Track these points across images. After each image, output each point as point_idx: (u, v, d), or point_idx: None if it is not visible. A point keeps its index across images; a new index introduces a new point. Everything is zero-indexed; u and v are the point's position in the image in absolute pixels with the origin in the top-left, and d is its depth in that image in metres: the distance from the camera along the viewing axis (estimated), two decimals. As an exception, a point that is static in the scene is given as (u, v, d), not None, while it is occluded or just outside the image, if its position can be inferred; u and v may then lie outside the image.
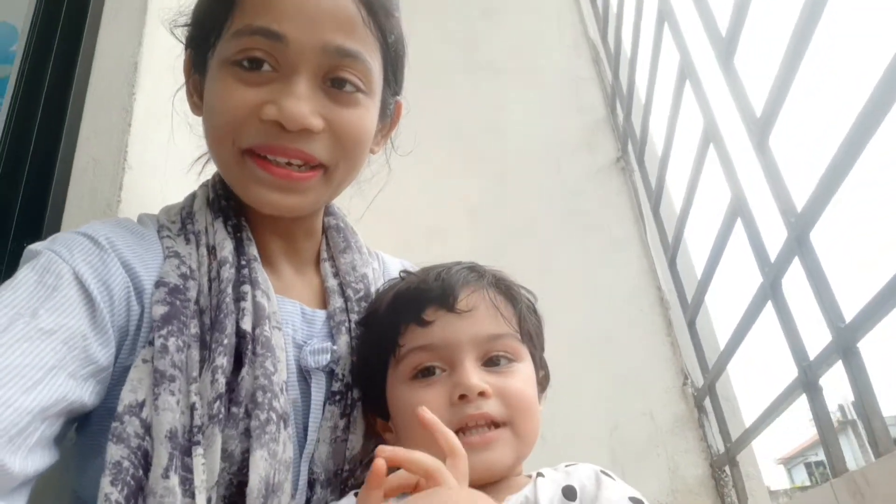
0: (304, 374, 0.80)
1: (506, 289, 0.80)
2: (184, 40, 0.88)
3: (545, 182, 1.88)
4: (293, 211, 0.81)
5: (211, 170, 0.89)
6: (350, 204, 1.00)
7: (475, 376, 0.71)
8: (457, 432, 0.70)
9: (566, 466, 0.72)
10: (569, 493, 0.66)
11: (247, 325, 0.73)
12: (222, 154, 0.79)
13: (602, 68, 2.02)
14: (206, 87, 0.80)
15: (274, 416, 0.70)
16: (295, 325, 0.82)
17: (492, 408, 0.70)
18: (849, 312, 0.79)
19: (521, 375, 0.75)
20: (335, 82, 0.77)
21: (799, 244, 0.86)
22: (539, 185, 1.88)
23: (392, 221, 1.70)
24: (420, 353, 0.75)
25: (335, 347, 0.81)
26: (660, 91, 1.50)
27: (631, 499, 0.65)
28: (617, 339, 1.64)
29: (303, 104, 0.74)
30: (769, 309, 1.02)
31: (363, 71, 0.78)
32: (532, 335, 0.81)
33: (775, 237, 0.96)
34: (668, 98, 1.35)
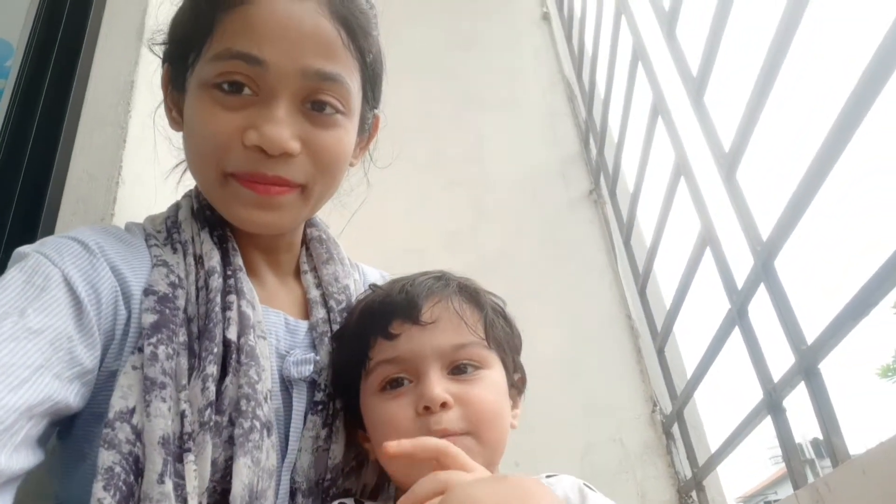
0: (286, 385, 0.81)
1: (471, 296, 0.81)
2: (161, 55, 0.88)
3: (521, 211, 1.93)
4: (272, 228, 0.82)
5: (189, 177, 0.91)
6: (329, 218, 1.02)
7: (438, 387, 0.73)
8: None
9: (547, 477, 0.74)
10: None
11: (232, 334, 0.74)
12: (205, 176, 0.80)
13: (576, 105, 2.09)
14: (185, 107, 0.81)
15: (258, 424, 0.71)
16: (278, 335, 0.83)
17: (453, 422, 0.72)
18: (811, 335, 0.84)
19: (487, 382, 0.76)
20: (315, 105, 0.78)
21: (764, 271, 0.92)
22: (515, 213, 1.93)
23: (371, 244, 1.72)
24: (387, 365, 0.76)
25: (318, 358, 0.83)
26: (632, 127, 1.56)
27: None
28: (588, 365, 1.68)
29: (283, 129, 0.75)
30: (735, 335, 1.07)
31: (342, 93, 0.79)
32: (501, 340, 0.82)
33: (742, 266, 1.02)
34: (639, 134, 1.42)
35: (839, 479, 0.64)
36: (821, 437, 0.79)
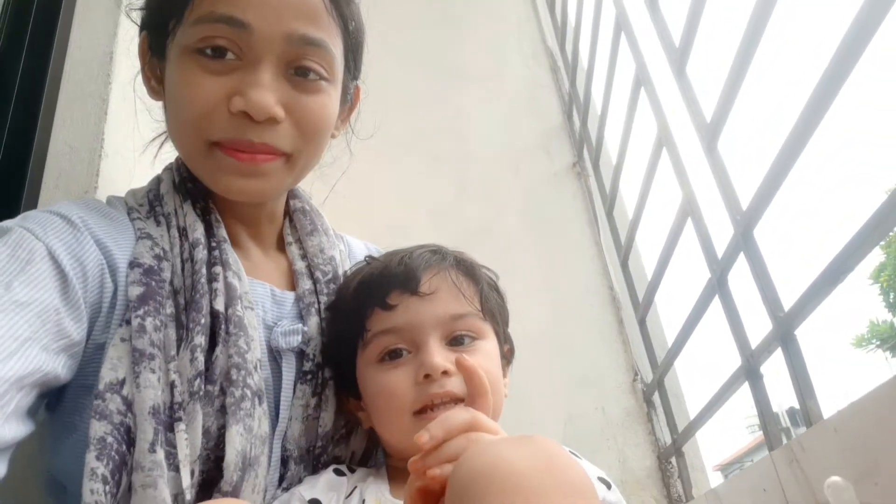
0: (274, 355, 0.82)
1: (468, 269, 0.83)
2: (139, 23, 0.87)
3: (504, 184, 1.94)
4: (257, 195, 0.82)
5: (168, 150, 0.90)
6: (312, 188, 1.02)
7: (438, 356, 0.74)
8: (423, 410, 0.73)
9: None
10: None
11: (219, 305, 0.75)
12: (189, 145, 0.79)
13: (559, 77, 2.09)
14: (167, 74, 0.80)
15: (248, 392, 0.72)
16: (265, 306, 0.84)
17: (455, 386, 0.73)
18: (788, 303, 0.86)
19: (484, 352, 0.79)
20: (299, 71, 0.78)
21: (744, 240, 0.93)
22: (498, 187, 1.94)
23: (354, 220, 1.73)
24: (386, 336, 0.78)
25: (306, 328, 0.84)
26: (615, 99, 1.57)
27: (599, 478, 0.70)
28: (571, 336, 1.70)
29: (268, 94, 0.74)
30: (715, 305, 1.09)
31: (327, 59, 0.79)
32: (494, 312, 0.84)
33: (722, 235, 1.04)
34: (622, 106, 1.43)
35: (812, 438, 0.67)
36: (796, 405, 0.82)
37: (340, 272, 0.92)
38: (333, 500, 0.71)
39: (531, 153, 1.99)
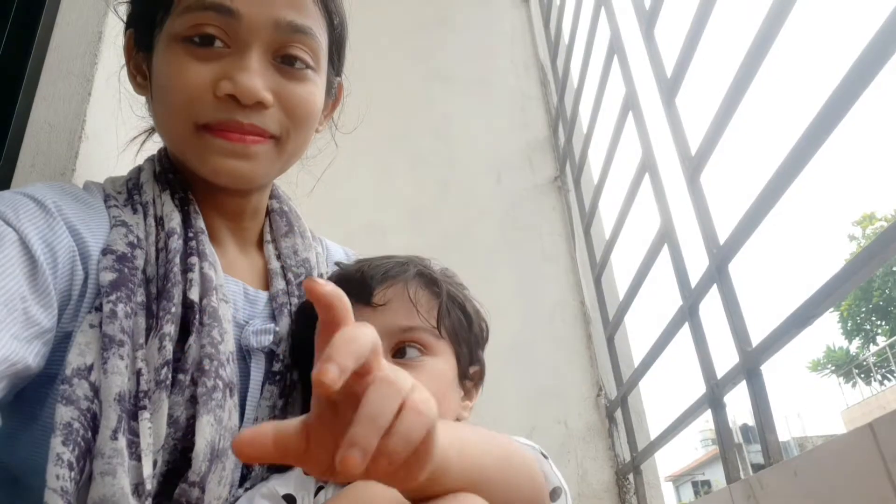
0: (244, 354, 0.81)
1: (428, 282, 0.81)
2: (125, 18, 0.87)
3: (485, 191, 1.95)
4: (247, 177, 0.81)
5: (149, 147, 0.90)
6: (298, 179, 1.01)
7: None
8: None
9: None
10: None
11: (194, 295, 0.74)
12: (177, 130, 0.79)
13: (548, 90, 2.11)
14: (154, 65, 0.80)
15: (220, 383, 0.72)
16: (237, 304, 0.83)
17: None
18: (756, 338, 0.88)
19: (428, 370, 0.76)
20: (285, 59, 0.79)
21: (718, 273, 0.95)
22: (479, 193, 1.95)
23: (334, 217, 1.73)
24: None
25: (277, 329, 0.83)
26: (602, 119, 1.59)
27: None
28: (539, 347, 1.72)
29: (256, 78, 0.75)
30: (684, 330, 1.12)
31: (313, 48, 0.80)
32: (455, 330, 0.81)
33: (697, 264, 1.06)
34: (609, 126, 1.44)
35: (772, 478, 0.69)
36: (750, 423, 0.84)
37: (315, 274, 0.92)
38: (306, 500, 0.71)
39: (514, 163, 2.00)
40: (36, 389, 0.69)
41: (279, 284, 0.88)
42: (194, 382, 0.71)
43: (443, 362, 0.78)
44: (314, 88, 0.82)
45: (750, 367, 0.88)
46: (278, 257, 0.92)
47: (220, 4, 0.74)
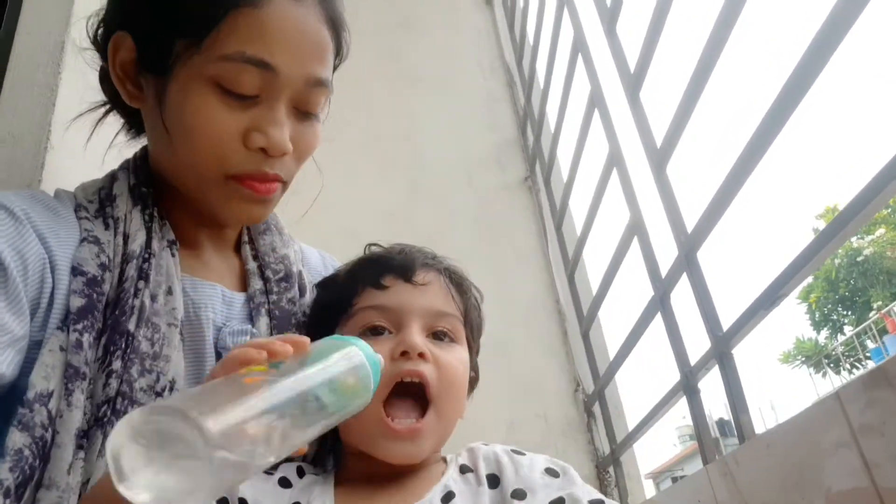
0: (221, 356, 0.81)
1: (458, 281, 0.85)
2: (113, 14, 0.82)
3: (456, 193, 1.96)
4: (261, 219, 0.85)
5: (115, 155, 0.88)
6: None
7: (419, 338, 0.75)
8: (389, 396, 0.73)
9: (483, 445, 0.77)
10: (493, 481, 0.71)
11: (131, 325, 0.73)
12: (203, 175, 0.78)
13: (515, 91, 2.13)
14: (173, 97, 0.76)
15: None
16: (215, 308, 0.83)
17: (427, 370, 0.73)
18: (726, 322, 0.90)
19: (458, 356, 0.79)
20: (305, 108, 0.80)
21: (687, 261, 0.98)
22: (449, 195, 1.96)
23: (305, 219, 1.71)
24: (371, 311, 0.78)
25: (254, 330, 0.83)
26: (569, 117, 1.61)
27: (547, 469, 0.71)
28: (517, 345, 1.73)
29: (286, 132, 0.77)
30: (658, 321, 1.14)
31: (327, 95, 0.82)
32: (474, 328, 0.86)
33: (666, 255, 1.08)
34: (576, 124, 1.47)
35: (746, 454, 0.70)
36: (726, 417, 0.86)
37: (295, 270, 0.92)
38: None
39: (484, 164, 2.01)
40: None
41: (256, 284, 0.88)
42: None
43: (465, 353, 0.82)
44: (319, 128, 0.84)
45: (722, 352, 0.90)
46: (255, 257, 0.92)
47: (261, 61, 0.73)
